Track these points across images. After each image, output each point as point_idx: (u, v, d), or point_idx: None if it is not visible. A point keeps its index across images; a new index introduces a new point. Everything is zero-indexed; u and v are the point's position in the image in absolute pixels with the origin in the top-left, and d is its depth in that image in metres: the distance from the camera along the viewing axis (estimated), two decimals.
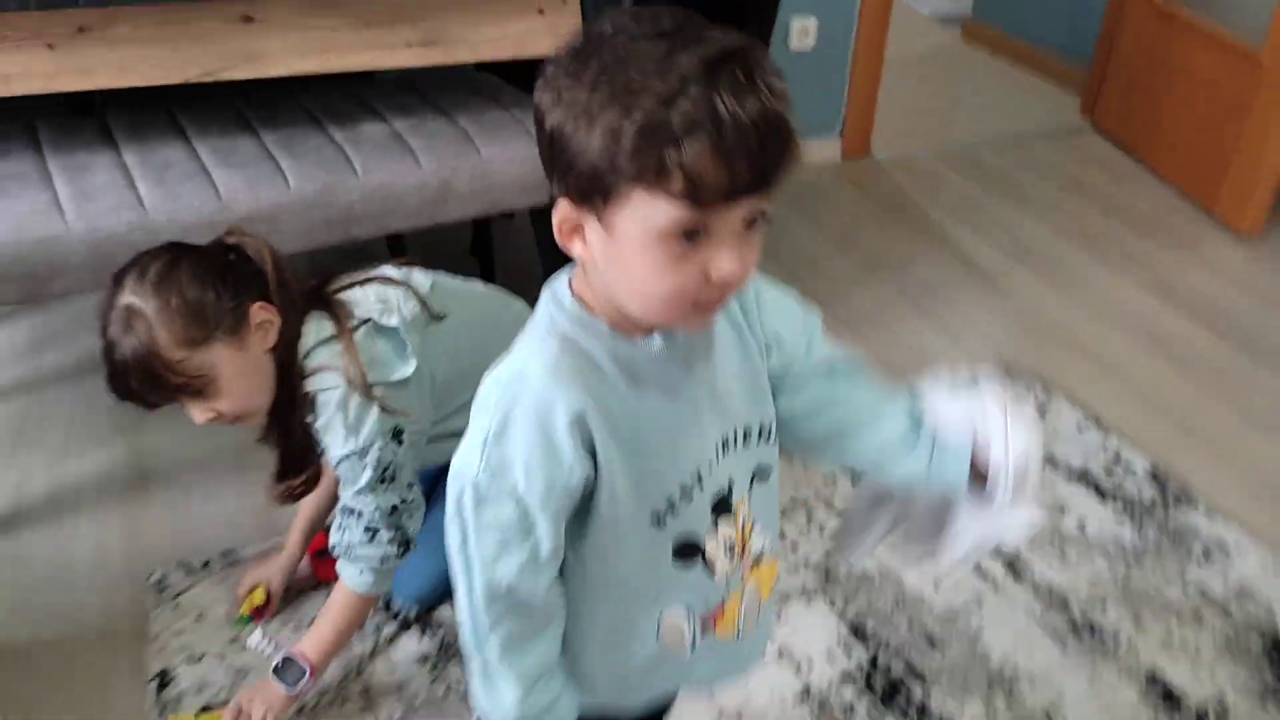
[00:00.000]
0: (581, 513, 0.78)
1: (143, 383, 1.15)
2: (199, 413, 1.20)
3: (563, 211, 0.70)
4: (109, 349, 1.15)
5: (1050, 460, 1.87)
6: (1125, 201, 2.89)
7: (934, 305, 2.38)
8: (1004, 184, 3.00)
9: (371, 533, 1.26)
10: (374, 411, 1.20)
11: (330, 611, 1.32)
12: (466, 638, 0.81)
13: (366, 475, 1.21)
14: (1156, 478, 1.83)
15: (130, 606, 1.55)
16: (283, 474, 1.28)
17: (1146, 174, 3.04)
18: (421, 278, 1.33)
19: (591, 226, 0.69)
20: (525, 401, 0.72)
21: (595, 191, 0.66)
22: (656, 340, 0.75)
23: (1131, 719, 1.41)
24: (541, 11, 1.70)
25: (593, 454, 0.74)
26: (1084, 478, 1.83)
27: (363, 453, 1.20)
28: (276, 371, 1.22)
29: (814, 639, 1.51)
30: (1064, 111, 3.49)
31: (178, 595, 1.55)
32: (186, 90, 1.68)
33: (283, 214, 1.62)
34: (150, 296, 1.14)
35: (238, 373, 1.18)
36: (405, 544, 1.28)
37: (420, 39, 1.65)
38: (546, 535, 0.76)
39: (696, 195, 0.64)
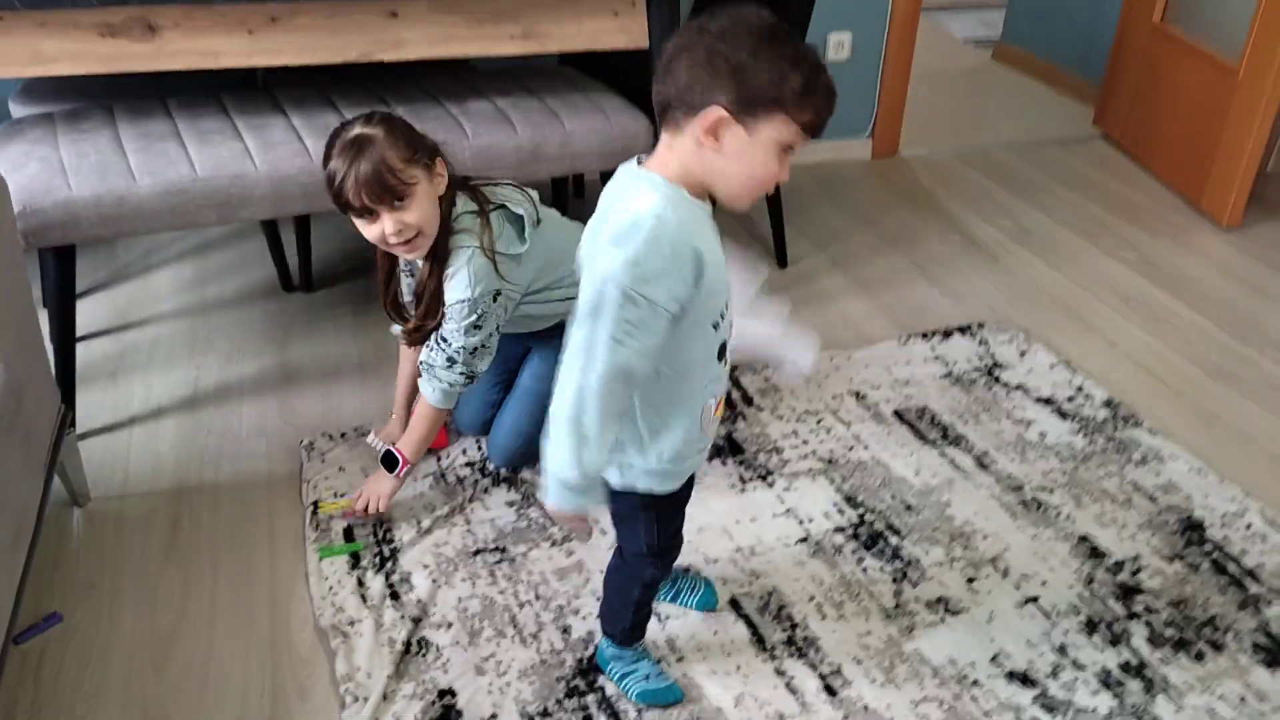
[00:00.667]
0: (677, 317, 1.14)
1: (371, 189, 1.54)
2: (391, 222, 1.58)
3: (716, 114, 1.06)
4: (339, 173, 1.56)
5: (1022, 388, 2.26)
6: (1122, 196, 3.27)
7: (940, 274, 2.78)
8: (1015, 180, 3.39)
9: (450, 361, 1.71)
10: (489, 271, 1.65)
11: (415, 419, 1.80)
12: (566, 410, 1.12)
13: (468, 318, 1.67)
14: (1110, 404, 2.21)
15: (288, 460, 2.01)
16: (424, 316, 1.71)
17: (1144, 174, 3.41)
18: (533, 194, 1.80)
19: (734, 131, 1.07)
20: (664, 234, 1.08)
21: (757, 105, 1.06)
22: (709, 206, 1.18)
23: (1062, 565, 1.80)
24: (615, 14, 2.15)
25: (698, 278, 1.14)
26: (1049, 403, 2.22)
27: (473, 302, 1.65)
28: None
29: (815, 504, 1.91)
30: (1078, 122, 3.87)
31: (324, 454, 2.01)
32: (335, 72, 2.17)
33: None
34: (377, 127, 1.58)
35: (425, 195, 1.61)
36: (471, 377, 1.74)
37: (521, 33, 2.11)
38: (661, 331, 1.11)
39: (811, 130, 1.11)
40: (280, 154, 2.02)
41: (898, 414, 2.18)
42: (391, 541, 1.80)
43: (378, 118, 1.61)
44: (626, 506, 1.34)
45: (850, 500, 1.93)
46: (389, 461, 1.81)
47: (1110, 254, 2.92)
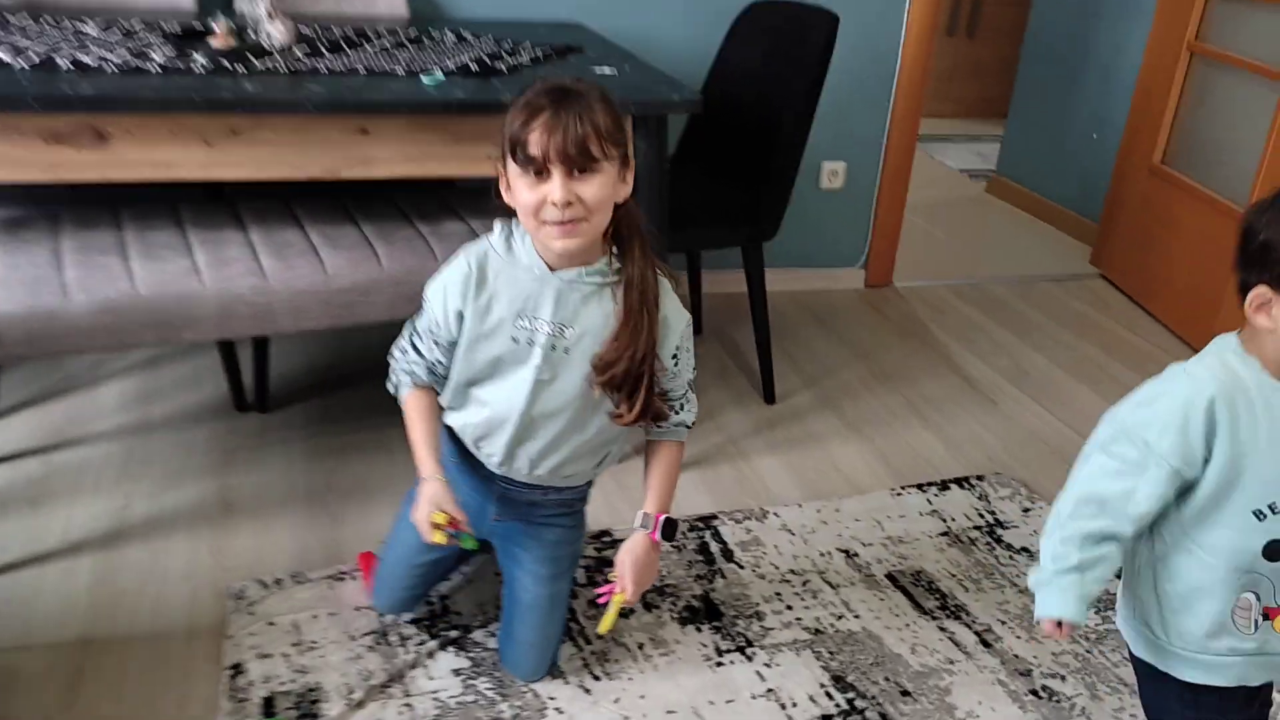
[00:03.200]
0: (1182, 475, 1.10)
1: (567, 140, 1.26)
2: (562, 189, 1.28)
3: (1260, 293, 1.06)
4: (537, 110, 1.28)
5: (1027, 551, 2.08)
6: (1122, 338, 3.15)
7: (936, 416, 2.63)
8: (1010, 316, 3.28)
9: (683, 406, 1.54)
10: None
11: (669, 474, 1.54)
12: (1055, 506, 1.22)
13: (690, 344, 1.50)
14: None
15: (212, 611, 1.80)
16: (646, 396, 1.42)
17: (1144, 316, 3.30)
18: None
19: None
20: (1178, 390, 1.11)
21: None
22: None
23: None
24: None
25: (1210, 444, 1.07)
26: None
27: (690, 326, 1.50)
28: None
29: (800, 684, 1.71)
30: (1074, 259, 3.79)
31: (253, 604, 1.81)
32: (302, 186, 2.04)
33: (375, 289, 1.94)
34: (592, 89, 1.33)
35: (608, 182, 1.33)
36: None
37: (499, 153, 1.99)
38: (1150, 483, 1.10)
39: None
40: (232, 272, 1.87)
41: (891, 578, 1.99)
42: (317, 716, 1.58)
43: (591, 83, 1.36)
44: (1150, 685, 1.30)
45: (839, 681, 1.72)
46: (671, 530, 1.51)
47: (1110, 400, 2.76)
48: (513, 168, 1.34)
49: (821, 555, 2.04)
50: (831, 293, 3.37)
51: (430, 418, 1.48)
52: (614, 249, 1.42)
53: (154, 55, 1.93)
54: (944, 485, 2.30)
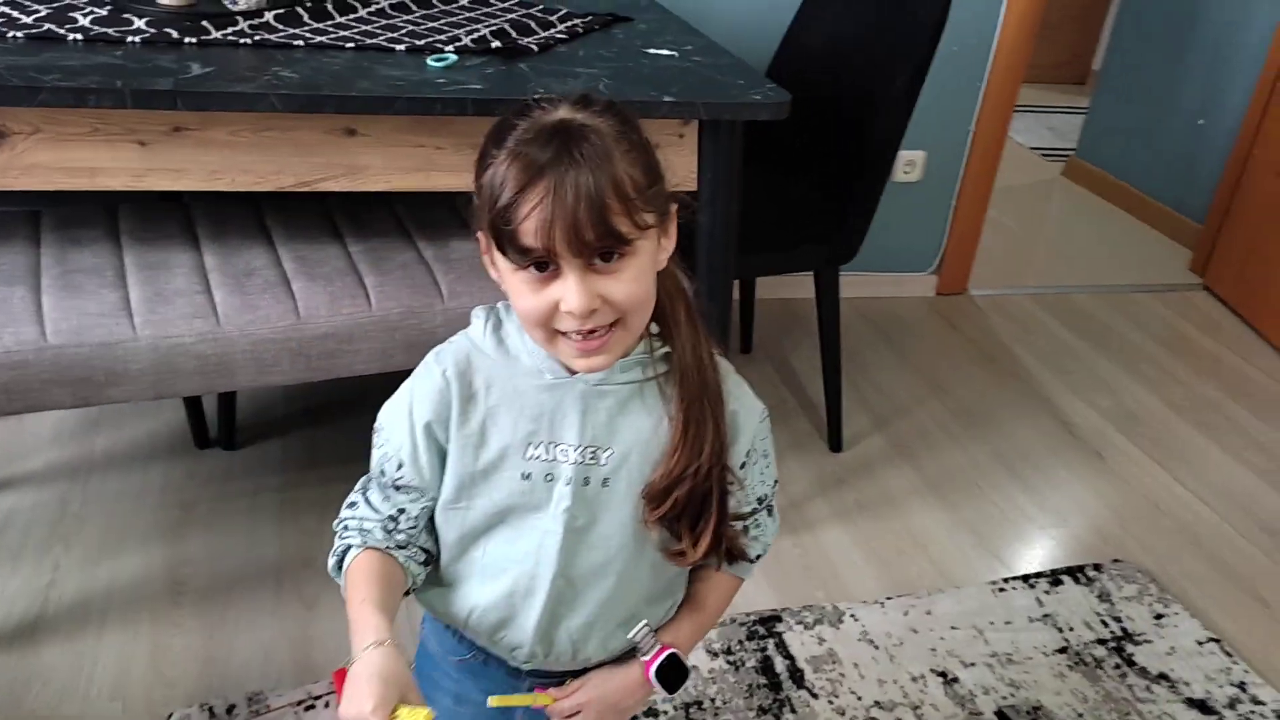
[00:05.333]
0: None
1: (585, 218, 0.81)
2: (582, 292, 0.83)
3: None
4: (525, 177, 0.82)
5: (1165, 679, 1.67)
6: (1242, 374, 2.71)
7: (1032, 475, 2.20)
8: (1105, 337, 2.83)
9: (770, 511, 1.08)
10: None
11: (716, 607, 1.10)
12: None
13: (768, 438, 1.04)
14: None
15: None
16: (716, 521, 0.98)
17: (1264, 345, 2.85)
18: None
19: None
20: None
21: None
22: None
23: None
24: (656, 146, 1.59)
25: None
26: (1205, 710, 1.63)
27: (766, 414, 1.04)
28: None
29: None
30: (1172, 266, 3.32)
31: None
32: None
33: (360, 334, 1.51)
34: (605, 118, 0.84)
35: (647, 265, 0.87)
36: None
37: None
38: None
39: None
40: (174, 311, 1.44)
41: (1003, 716, 1.58)
42: None
43: (603, 103, 0.86)
44: None
45: None
46: (675, 677, 1.04)
47: (1238, 457, 2.34)
48: (500, 257, 0.86)
49: (913, 680, 1.63)
50: (899, 301, 2.92)
51: (384, 582, 0.93)
52: (652, 327, 0.98)
53: (78, 16, 1.48)
54: (1055, 578, 1.88)
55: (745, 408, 0.98)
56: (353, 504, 0.97)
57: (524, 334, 0.92)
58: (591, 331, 0.85)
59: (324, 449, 2.04)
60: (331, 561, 0.95)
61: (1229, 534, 2.07)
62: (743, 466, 0.99)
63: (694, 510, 0.95)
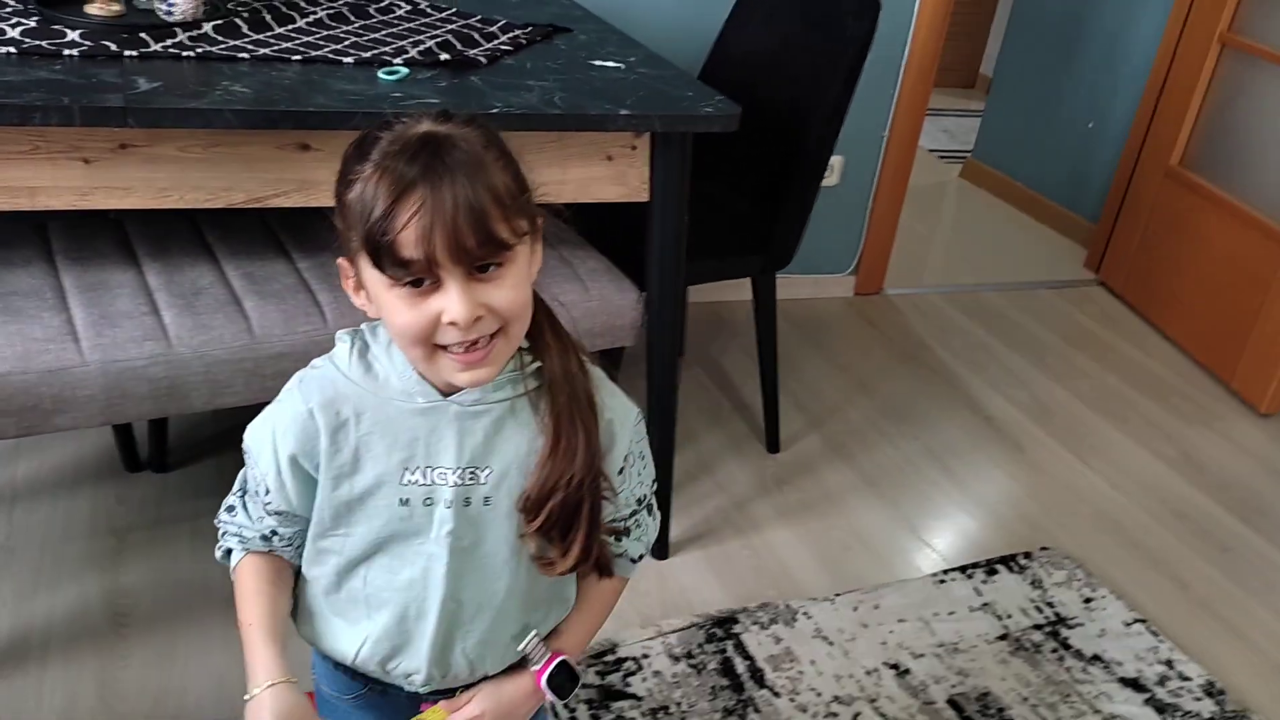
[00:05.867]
0: None
1: (465, 228, 0.80)
2: (465, 301, 0.82)
3: None
4: (399, 190, 0.80)
5: (1100, 660, 1.77)
6: (1141, 366, 2.87)
7: (959, 467, 2.30)
8: (1014, 333, 2.96)
9: (650, 510, 1.09)
10: None
11: (599, 607, 1.11)
12: None
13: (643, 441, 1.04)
14: (1213, 692, 1.74)
15: None
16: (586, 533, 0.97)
17: (1158, 337, 3.03)
18: None
19: None
20: None
21: None
22: None
23: None
24: (609, 158, 1.60)
25: None
26: (1138, 688, 1.73)
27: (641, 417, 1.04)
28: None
29: None
30: (1069, 263, 3.50)
31: None
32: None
33: (317, 353, 1.46)
34: (468, 129, 0.85)
35: (524, 273, 0.88)
36: None
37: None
38: None
39: None
40: (122, 334, 1.38)
41: (955, 705, 1.65)
42: None
43: (464, 116, 0.87)
44: None
45: None
46: (565, 683, 1.04)
47: (1146, 445, 2.49)
48: (374, 275, 0.85)
49: (868, 674, 1.69)
50: (819, 302, 3.00)
51: (272, 592, 0.96)
52: (521, 343, 0.94)
53: (6, 28, 1.41)
54: (990, 568, 1.97)
55: (619, 415, 0.98)
56: (231, 509, 0.98)
57: (393, 356, 0.91)
58: (474, 344, 0.85)
59: None
60: (219, 554, 0.99)
61: (1144, 520, 2.20)
62: (621, 471, 0.99)
63: (565, 521, 0.95)
